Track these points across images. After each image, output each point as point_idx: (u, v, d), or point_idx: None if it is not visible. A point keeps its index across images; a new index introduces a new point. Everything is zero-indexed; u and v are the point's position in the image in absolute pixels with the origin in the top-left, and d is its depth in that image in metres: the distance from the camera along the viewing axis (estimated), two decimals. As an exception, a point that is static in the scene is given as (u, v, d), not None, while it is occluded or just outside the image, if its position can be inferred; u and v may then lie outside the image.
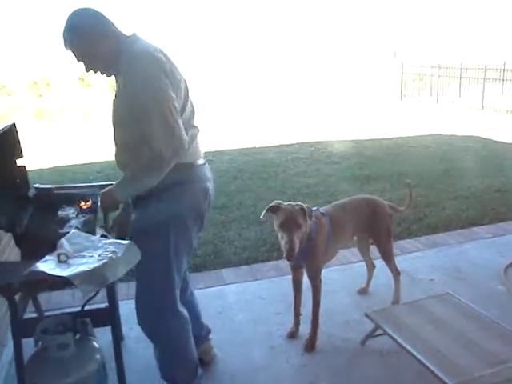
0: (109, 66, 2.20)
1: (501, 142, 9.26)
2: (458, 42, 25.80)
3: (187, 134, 2.15)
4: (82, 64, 2.20)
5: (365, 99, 17.48)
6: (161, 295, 2.33)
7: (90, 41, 2.12)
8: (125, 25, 2.27)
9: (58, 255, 1.96)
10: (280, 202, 2.78)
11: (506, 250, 4.20)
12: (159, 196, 2.22)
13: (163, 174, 2.10)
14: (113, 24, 2.19)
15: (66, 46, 2.16)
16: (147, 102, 2.02)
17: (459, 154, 8.24)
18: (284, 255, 2.68)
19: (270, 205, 2.77)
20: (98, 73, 2.24)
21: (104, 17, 2.17)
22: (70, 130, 11.68)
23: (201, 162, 2.36)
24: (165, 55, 2.13)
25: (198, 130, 2.35)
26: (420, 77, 18.53)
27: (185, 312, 2.43)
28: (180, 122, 2.07)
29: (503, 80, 15.37)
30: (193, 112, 2.31)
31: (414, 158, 7.93)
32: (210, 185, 2.39)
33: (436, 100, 16.92)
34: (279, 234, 2.71)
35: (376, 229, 3.26)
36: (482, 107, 14.69)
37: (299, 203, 2.77)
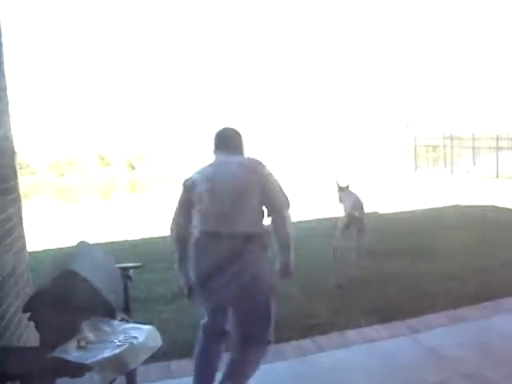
0: None
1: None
2: (468, 111, 26.32)
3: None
4: None
5: (379, 171, 17.60)
6: None
7: None
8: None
9: (78, 341, 1.95)
10: None
11: (535, 322, 4.06)
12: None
13: None
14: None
15: None
16: None
17: (477, 224, 8.16)
18: None
19: None
20: None
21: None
22: (92, 209, 11.88)
23: None
24: (204, 178, 2.89)
25: None
26: (433, 148, 18.75)
27: None
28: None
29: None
30: (219, 213, 2.80)
31: (434, 230, 7.84)
32: None
33: (450, 171, 17.01)
34: None
35: None
36: (497, 176, 14.72)
37: None
